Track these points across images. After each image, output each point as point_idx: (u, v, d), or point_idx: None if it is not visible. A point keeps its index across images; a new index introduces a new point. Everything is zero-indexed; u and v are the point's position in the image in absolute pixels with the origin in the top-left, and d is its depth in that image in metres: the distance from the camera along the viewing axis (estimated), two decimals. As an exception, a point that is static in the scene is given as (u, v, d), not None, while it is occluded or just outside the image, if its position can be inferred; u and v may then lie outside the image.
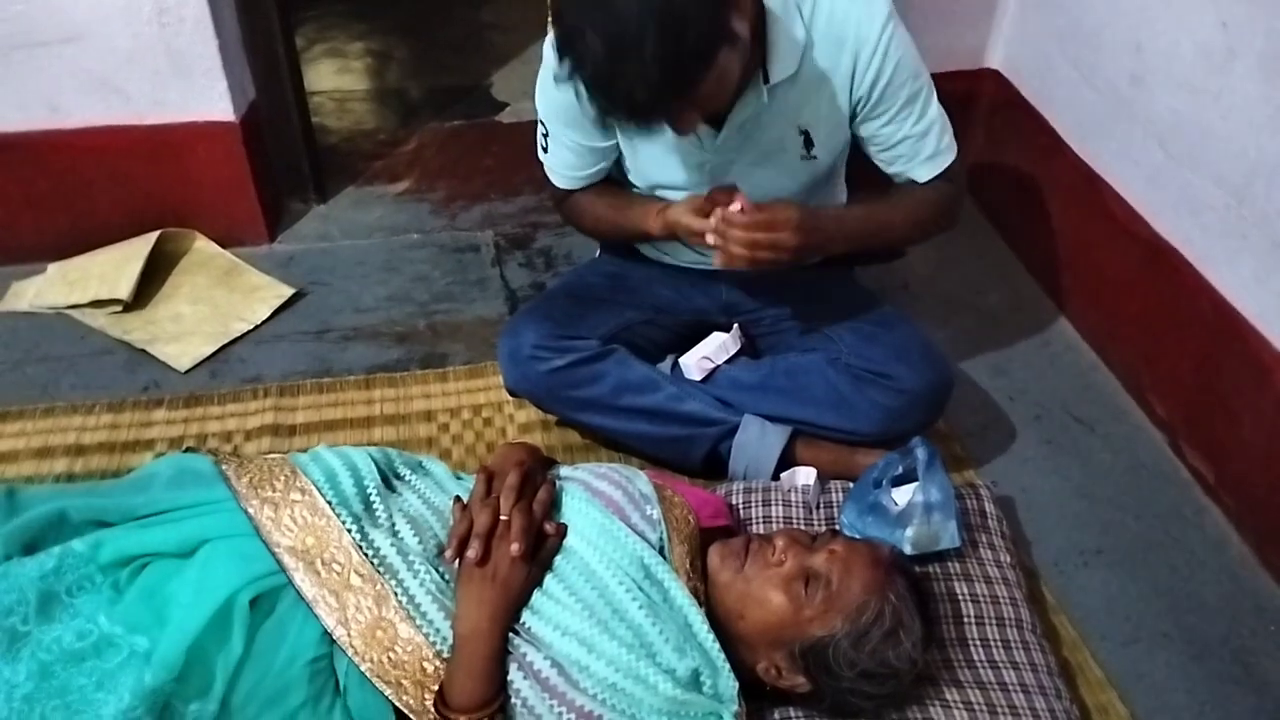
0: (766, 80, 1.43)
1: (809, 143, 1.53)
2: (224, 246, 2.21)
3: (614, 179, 1.68)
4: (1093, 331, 2.09)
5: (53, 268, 2.12)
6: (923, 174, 1.56)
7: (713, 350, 1.69)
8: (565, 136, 1.59)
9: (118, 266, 2.07)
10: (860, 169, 1.66)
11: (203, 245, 2.21)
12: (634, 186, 1.70)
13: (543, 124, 1.61)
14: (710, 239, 1.43)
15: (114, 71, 2.00)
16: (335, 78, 3.05)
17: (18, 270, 2.14)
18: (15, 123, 2.02)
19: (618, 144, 1.60)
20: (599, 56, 1.17)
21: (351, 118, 2.84)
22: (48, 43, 1.94)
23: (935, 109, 1.53)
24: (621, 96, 1.20)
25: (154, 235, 2.13)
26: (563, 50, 1.22)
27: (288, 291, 2.12)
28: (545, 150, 1.64)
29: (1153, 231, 1.87)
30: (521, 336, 1.61)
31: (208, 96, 2.06)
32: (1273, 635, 1.54)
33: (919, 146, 1.54)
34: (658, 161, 1.58)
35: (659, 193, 1.64)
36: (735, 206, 1.41)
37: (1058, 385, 1.99)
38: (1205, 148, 1.72)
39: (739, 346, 1.73)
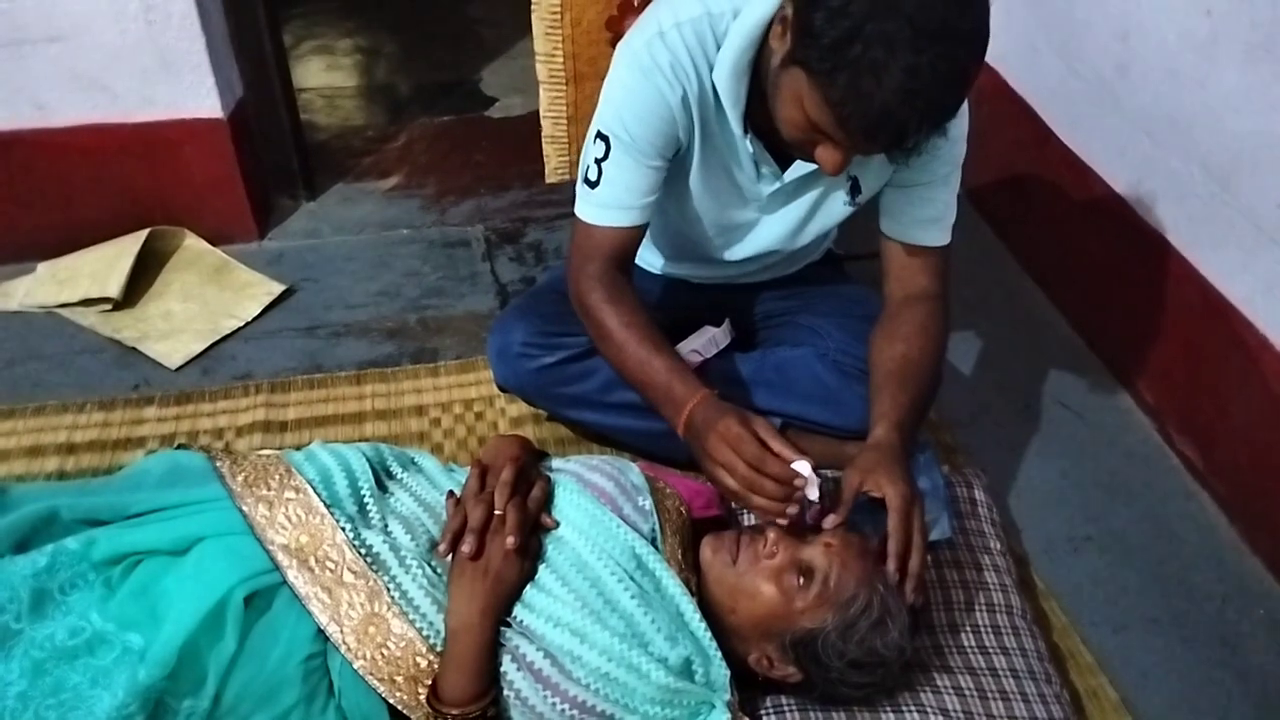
0: None
1: (856, 189, 1.50)
2: (214, 244, 2.21)
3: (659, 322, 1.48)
4: (1081, 319, 2.10)
5: (42, 267, 2.11)
6: (918, 235, 1.50)
7: (702, 344, 1.69)
8: (635, 148, 1.39)
9: (108, 265, 2.06)
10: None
11: (192, 243, 2.21)
12: (663, 214, 1.60)
13: (606, 139, 1.40)
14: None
15: (101, 69, 1.99)
16: (324, 74, 3.05)
17: (7, 270, 2.13)
18: (2, 121, 2.01)
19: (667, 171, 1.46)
20: (905, 35, 1.07)
21: (340, 114, 2.84)
22: (34, 41, 1.94)
23: (957, 183, 1.49)
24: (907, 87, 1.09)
25: (143, 233, 2.12)
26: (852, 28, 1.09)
27: (278, 288, 2.12)
28: (595, 182, 1.43)
29: (1140, 219, 1.88)
30: (511, 333, 1.61)
31: (195, 94, 2.05)
32: (1261, 619, 1.55)
33: (932, 207, 1.48)
34: (711, 190, 1.50)
35: (695, 224, 1.56)
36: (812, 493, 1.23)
37: (1047, 373, 1.99)
38: (1191, 135, 1.73)
39: (729, 340, 1.73)
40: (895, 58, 1.07)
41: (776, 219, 1.55)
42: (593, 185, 1.43)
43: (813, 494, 1.22)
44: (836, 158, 1.22)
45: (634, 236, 1.47)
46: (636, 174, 1.41)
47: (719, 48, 1.33)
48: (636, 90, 1.37)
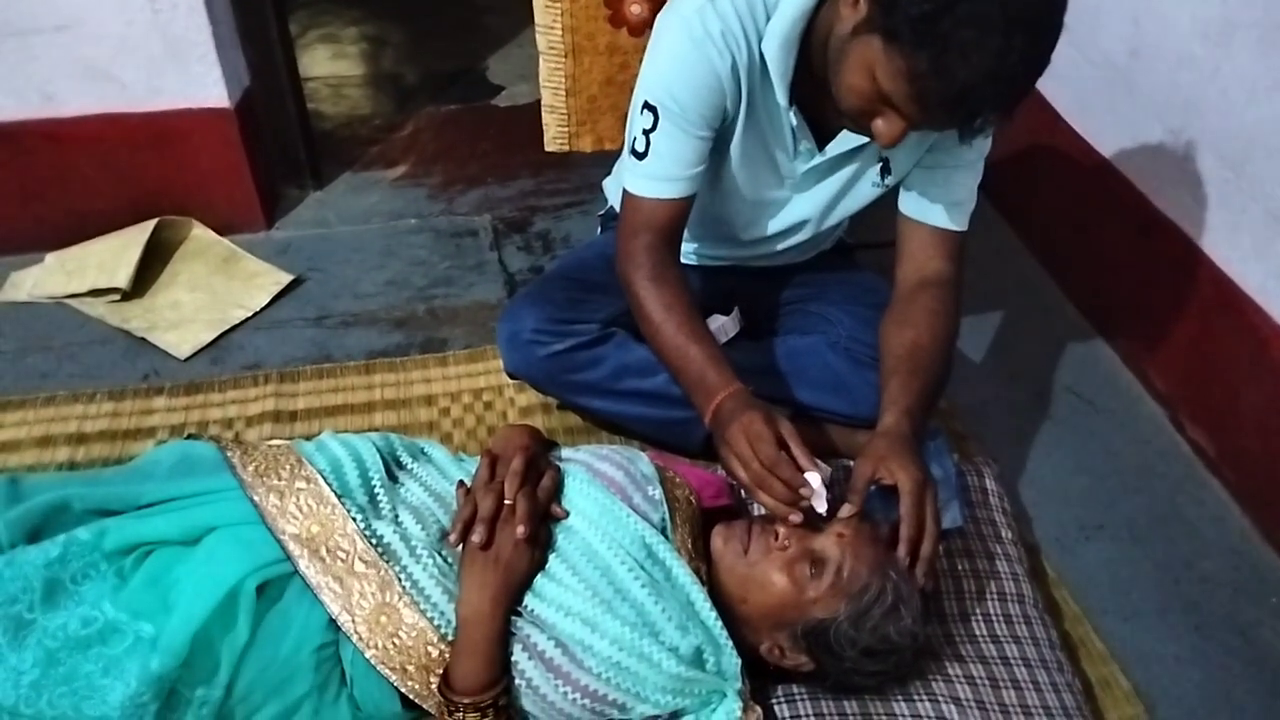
0: None
1: (886, 170, 1.50)
2: (221, 234, 2.21)
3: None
4: (1092, 307, 2.09)
5: (50, 257, 2.11)
6: (940, 217, 1.50)
7: (712, 332, 1.68)
8: (684, 119, 1.38)
9: (116, 255, 2.06)
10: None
11: (200, 233, 2.21)
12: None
13: (654, 109, 1.38)
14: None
15: (108, 59, 1.99)
16: (330, 63, 3.04)
17: (15, 260, 2.13)
18: (10, 112, 2.01)
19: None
20: (998, 19, 1.08)
21: (347, 103, 2.83)
22: (42, 30, 1.94)
23: (980, 171, 1.50)
24: (992, 63, 1.09)
25: (151, 223, 2.12)
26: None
27: (286, 278, 2.12)
28: (643, 154, 1.41)
29: (1152, 206, 1.87)
30: (521, 320, 1.61)
31: (203, 83, 2.05)
32: (1274, 608, 1.55)
33: (954, 190, 1.49)
34: (748, 164, 1.50)
35: (726, 199, 1.55)
36: (820, 492, 1.20)
37: (1058, 361, 1.99)
38: (1203, 121, 1.72)
39: (739, 329, 1.72)
40: (987, 39, 1.08)
41: (806, 198, 1.55)
42: (640, 157, 1.42)
43: (820, 506, 1.21)
44: (896, 130, 1.21)
45: (682, 209, 1.46)
46: (685, 145, 1.40)
47: (768, 18, 1.33)
48: (687, 59, 1.35)
